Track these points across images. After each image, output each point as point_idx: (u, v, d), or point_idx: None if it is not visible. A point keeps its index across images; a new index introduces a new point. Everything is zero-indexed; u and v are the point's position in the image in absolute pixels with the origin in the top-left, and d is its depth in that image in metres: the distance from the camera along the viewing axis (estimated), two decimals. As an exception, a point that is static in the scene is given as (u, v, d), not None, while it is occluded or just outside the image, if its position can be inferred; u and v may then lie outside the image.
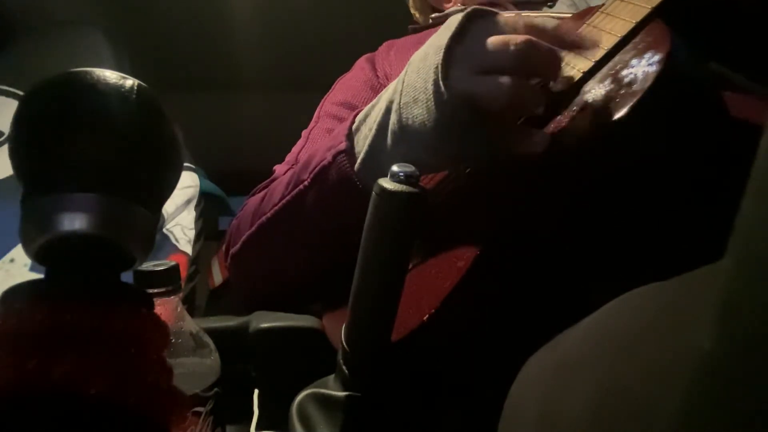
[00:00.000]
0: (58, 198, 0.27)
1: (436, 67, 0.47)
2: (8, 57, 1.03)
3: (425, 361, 0.46)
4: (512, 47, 0.44)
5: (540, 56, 0.45)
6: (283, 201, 0.61)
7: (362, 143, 0.55)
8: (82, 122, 0.27)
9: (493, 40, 0.45)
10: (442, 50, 0.47)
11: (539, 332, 0.33)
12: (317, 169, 0.58)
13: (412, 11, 0.98)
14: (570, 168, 0.45)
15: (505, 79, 0.44)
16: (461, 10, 0.49)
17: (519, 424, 0.31)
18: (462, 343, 0.46)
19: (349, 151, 0.56)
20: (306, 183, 0.59)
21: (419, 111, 0.48)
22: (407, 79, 0.50)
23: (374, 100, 0.57)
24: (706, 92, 0.47)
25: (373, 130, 0.53)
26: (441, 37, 0.49)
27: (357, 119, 0.58)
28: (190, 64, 1.30)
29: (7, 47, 1.04)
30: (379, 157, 0.53)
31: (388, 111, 0.52)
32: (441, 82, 0.46)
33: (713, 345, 0.16)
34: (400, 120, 0.50)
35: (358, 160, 0.55)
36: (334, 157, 0.56)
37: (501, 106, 0.45)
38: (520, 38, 0.45)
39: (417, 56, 0.51)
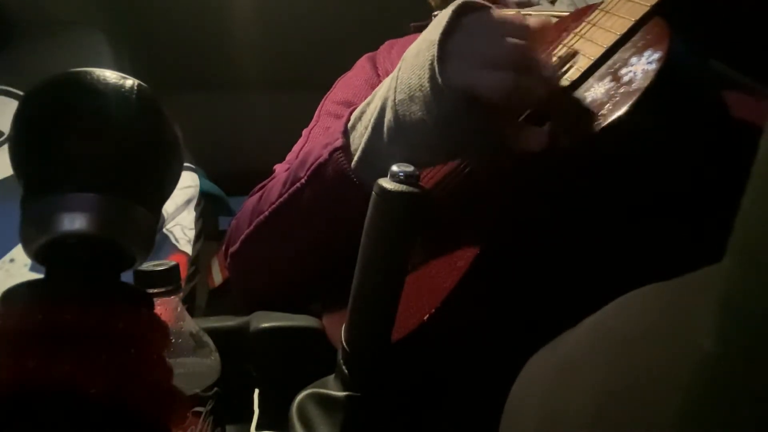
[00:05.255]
0: (58, 198, 0.27)
1: (431, 63, 0.47)
2: (8, 57, 1.02)
3: (425, 361, 0.46)
4: (511, 42, 0.45)
5: (530, 63, 0.46)
6: (281, 199, 0.61)
7: (358, 140, 0.55)
8: (81, 122, 0.27)
9: (489, 35, 0.45)
10: (435, 45, 0.47)
11: (540, 332, 0.33)
12: (314, 166, 0.58)
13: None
14: (569, 166, 0.45)
15: (504, 72, 0.44)
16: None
17: (520, 425, 0.31)
18: (462, 343, 0.46)
19: (346, 148, 0.56)
20: (303, 180, 0.59)
21: (416, 107, 0.48)
22: (401, 76, 0.50)
23: (369, 97, 0.57)
24: (706, 91, 0.47)
25: (369, 128, 0.53)
26: (432, 32, 0.49)
27: (353, 116, 0.58)
28: (190, 64, 1.29)
29: (7, 47, 1.04)
30: (375, 154, 0.53)
31: (383, 108, 0.52)
32: (438, 78, 0.46)
33: (713, 345, 0.16)
34: (396, 117, 0.50)
35: (355, 157, 0.55)
36: (331, 154, 0.56)
37: (501, 99, 0.45)
38: (521, 39, 0.45)
39: (410, 52, 0.51)
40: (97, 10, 1.18)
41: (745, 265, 0.16)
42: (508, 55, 0.45)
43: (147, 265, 0.46)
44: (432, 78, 0.46)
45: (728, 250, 0.16)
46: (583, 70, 0.47)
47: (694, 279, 0.25)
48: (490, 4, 0.49)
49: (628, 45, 0.46)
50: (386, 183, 0.39)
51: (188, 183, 1.02)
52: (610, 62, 0.47)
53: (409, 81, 0.49)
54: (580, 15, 0.55)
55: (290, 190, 0.60)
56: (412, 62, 0.49)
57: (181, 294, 0.56)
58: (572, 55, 0.50)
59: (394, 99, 0.50)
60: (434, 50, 0.46)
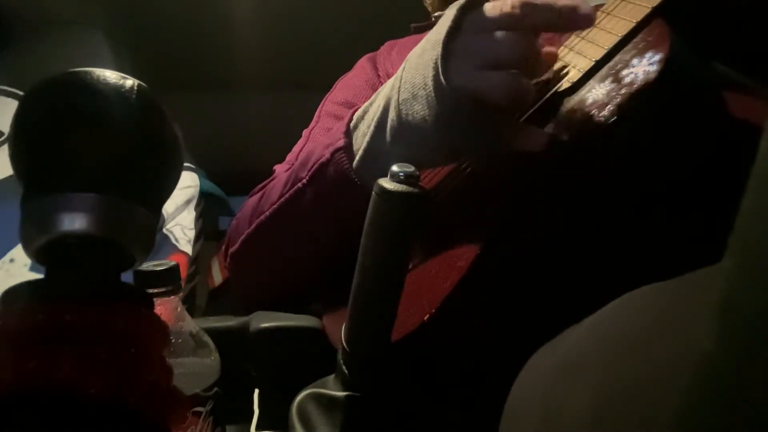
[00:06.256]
0: (58, 198, 0.27)
1: (435, 62, 0.47)
2: (8, 57, 1.03)
3: (425, 361, 0.46)
4: (512, 41, 0.45)
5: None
6: (282, 199, 0.61)
7: (360, 140, 0.55)
8: (82, 122, 0.27)
9: (489, 9, 0.45)
10: (440, 45, 0.47)
11: (540, 332, 0.33)
12: (315, 166, 0.58)
13: (426, 4, 0.97)
14: (570, 167, 0.45)
15: (506, 73, 0.44)
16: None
17: (520, 425, 0.31)
18: (462, 343, 0.46)
19: (348, 148, 0.56)
20: (304, 181, 0.59)
21: (419, 107, 0.48)
22: (405, 76, 0.50)
23: (372, 97, 0.57)
24: (707, 92, 0.47)
25: (372, 127, 0.53)
26: (437, 32, 0.49)
27: (355, 116, 0.58)
28: (190, 64, 1.30)
29: (7, 47, 1.04)
30: (377, 154, 0.53)
31: (386, 108, 0.52)
32: (441, 77, 0.46)
33: (713, 345, 0.16)
34: (399, 116, 0.50)
35: (357, 158, 0.55)
36: (332, 154, 0.56)
37: (503, 100, 0.45)
38: (522, 36, 0.45)
39: (414, 52, 0.51)
40: (97, 10, 1.18)
41: (745, 265, 0.16)
42: (509, 53, 0.45)
43: (147, 265, 0.46)
44: (435, 77, 0.46)
45: (728, 250, 0.16)
46: (584, 72, 0.47)
47: (694, 279, 0.25)
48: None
49: (630, 46, 0.46)
50: (386, 183, 0.39)
51: (188, 183, 1.02)
52: (611, 64, 0.47)
53: (413, 80, 0.49)
54: None
55: (291, 191, 0.60)
56: (416, 62, 0.50)
57: (181, 294, 0.56)
58: (573, 56, 0.50)
59: (398, 98, 0.50)
60: (439, 49, 0.47)
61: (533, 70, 0.49)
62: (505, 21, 0.46)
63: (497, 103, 0.45)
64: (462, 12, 0.48)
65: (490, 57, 0.45)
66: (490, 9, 0.48)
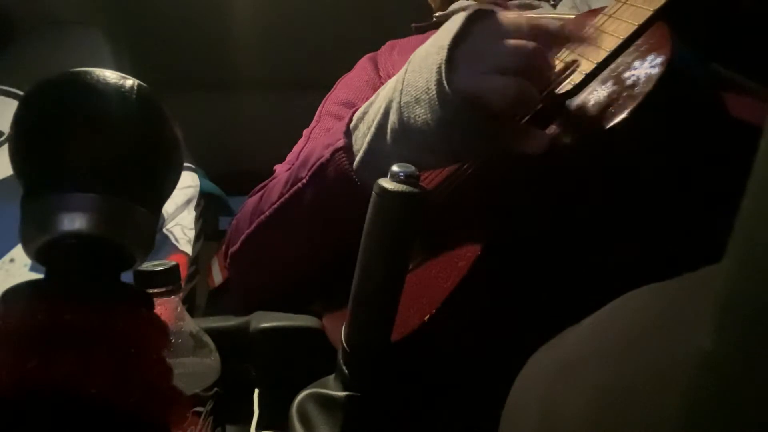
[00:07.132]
0: (58, 198, 0.27)
1: (439, 67, 0.47)
2: (8, 57, 1.03)
3: (426, 361, 0.46)
4: (518, 49, 0.45)
5: (541, 64, 0.46)
6: (282, 199, 0.61)
7: (361, 141, 0.55)
8: (81, 122, 0.27)
9: (498, 42, 0.45)
10: (445, 49, 0.47)
11: (540, 332, 0.33)
12: (315, 166, 0.58)
13: (430, 1, 0.97)
14: (571, 169, 0.45)
15: (510, 79, 0.44)
16: (464, 9, 0.49)
17: (519, 425, 0.31)
18: (462, 343, 0.46)
19: (348, 148, 0.56)
20: (304, 181, 0.59)
21: (421, 110, 0.48)
22: (407, 78, 0.50)
23: (372, 98, 0.57)
24: (708, 94, 0.47)
25: (372, 129, 0.53)
26: (442, 36, 0.49)
27: (355, 117, 0.58)
28: (190, 64, 1.29)
29: (7, 47, 1.04)
30: (378, 155, 0.53)
31: (387, 110, 0.52)
32: (444, 82, 0.46)
33: (713, 345, 0.16)
34: (401, 119, 0.49)
35: (357, 158, 0.55)
36: (332, 154, 0.56)
37: (505, 106, 0.45)
38: (530, 44, 0.45)
39: (417, 55, 0.51)
40: (97, 10, 1.18)
41: (745, 265, 0.16)
42: (515, 60, 0.45)
43: (147, 265, 0.46)
44: (438, 81, 0.46)
45: (728, 250, 0.16)
46: (586, 74, 0.47)
47: (694, 279, 0.25)
48: (501, 11, 0.49)
49: (632, 49, 0.46)
50: (386, 183, 0.39)
51: (188, 183, 1.02)
52: (613, 66, 0.47)
53: (415, 83, 0.49)
54: (583, 20, 0.55)
55: (291, 190, 0.60)
56: (419, 65, 0.49)
57: (181, 294, 0.56)
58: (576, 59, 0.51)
59: (399, 101, 0.50)
60: (444, 54, 0.47)
61: (540, 78, 0.49)
62: (514, 30, 0.46)
63: (499, 107, 0.45)
64: (470, 21, 0.48)
65: (495, 62, 0.45)
66: (501, 18, 0.48)
